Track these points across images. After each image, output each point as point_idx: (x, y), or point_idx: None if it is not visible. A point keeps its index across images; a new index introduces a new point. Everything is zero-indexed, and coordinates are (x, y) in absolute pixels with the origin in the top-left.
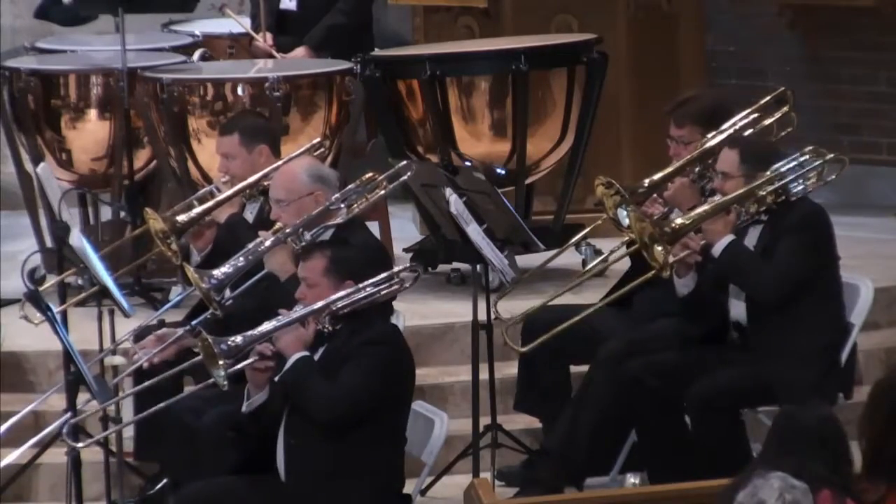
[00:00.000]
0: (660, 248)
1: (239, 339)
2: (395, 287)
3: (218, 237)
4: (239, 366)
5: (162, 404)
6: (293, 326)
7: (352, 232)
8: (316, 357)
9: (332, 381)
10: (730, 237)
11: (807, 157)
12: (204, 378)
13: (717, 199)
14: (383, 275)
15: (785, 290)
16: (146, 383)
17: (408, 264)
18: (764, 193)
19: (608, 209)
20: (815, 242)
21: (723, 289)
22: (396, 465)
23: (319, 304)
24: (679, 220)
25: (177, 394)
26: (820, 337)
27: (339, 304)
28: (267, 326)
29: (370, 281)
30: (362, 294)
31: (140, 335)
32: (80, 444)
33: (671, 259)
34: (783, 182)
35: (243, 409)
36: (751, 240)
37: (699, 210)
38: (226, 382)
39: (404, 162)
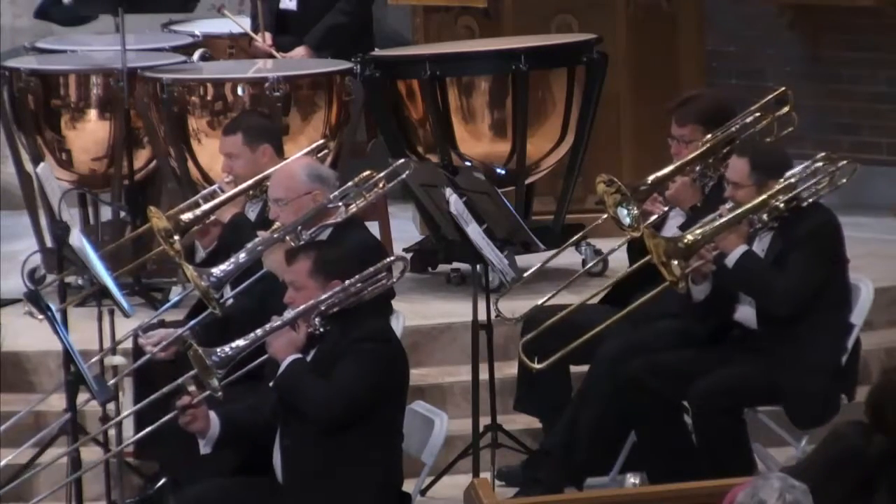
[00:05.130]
0: (676, 263)
1: (228, 349)
2: (383, 282)
3: (222, 236)
4: (227, 380)
5: (166, 417)
6: (284, 330)
7: (350, 231)
8: (308, 359)
9: (327, 381)
10: (743, 247)
11: (820, 164)
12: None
13: (729, 207)
14: (369, 270)
15: (798, 303)
16: (147, 400)
17: (393, 257)
18: (776, 202)
19: (609, 207)
20: (827, 252)
21: (734, 294)
22: (394, 463)
23: (307, 305)
24: (692, 236)
25: (177, 394)
26: (828, 341)
27: (328, 304)
28: (257, 333)
29: (356, 277)
30: (350, 292)
31: (144, 332)
32: (80, 472)
33: (687, 270)
34: (796, 191)
35: (202, 451)
36: (761, 245)
37: (713, 223)
38: (220, 393)
39: (402, 160)
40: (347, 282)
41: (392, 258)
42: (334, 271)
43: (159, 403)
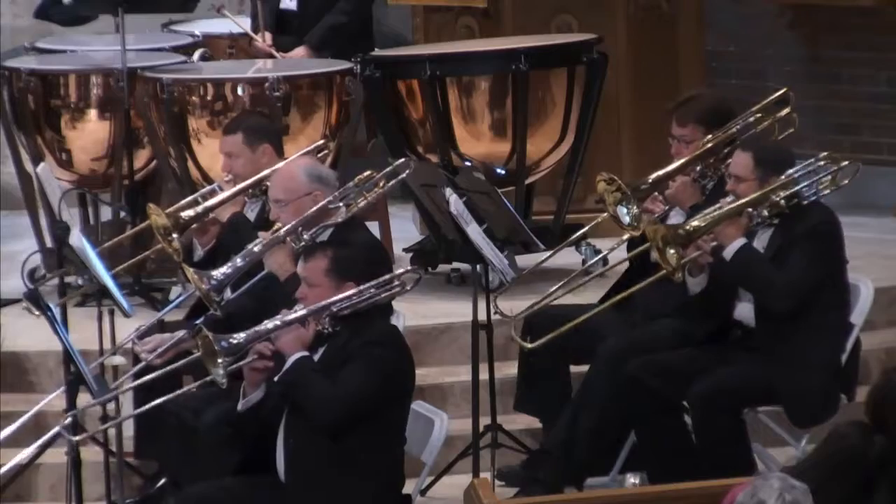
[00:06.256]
0: (672, 251)
1: (239, 336)
2: (397, 289)
3: (221, 236)
4: (237, 365)
5: (161, 399)
6: (293, 326)
7: (350, 231)
8: (316, 357)
9: (332, 382)
10: (742, 240)
11: (822, 163)
12: (203, 375)
13: (730, 199)
14: (385, 277)
15: (796, 299)
16: (145, 378)
17: (409, 266)
18: (777, 198)
19: (609, 205)
20: (826, 251)
21: (733, 289)
22: (396, 465)
23: (320, 304)
24: (693, 223)
25: (175, 391)
26: (828, 341)
27: (340, 306)
28: (268, 325)
29: (372, 283)
30: (364, 296)
31: (141, 338)
32: (77, 437)
33: (683, 260)
34: (797, 187)
35: (239, 407)
36: (761, 242)
37: (714, 213)
38: (224, 380)
39: (402, 160)
40: (363, 286)
41: (408, 269)
42: (349, 272)
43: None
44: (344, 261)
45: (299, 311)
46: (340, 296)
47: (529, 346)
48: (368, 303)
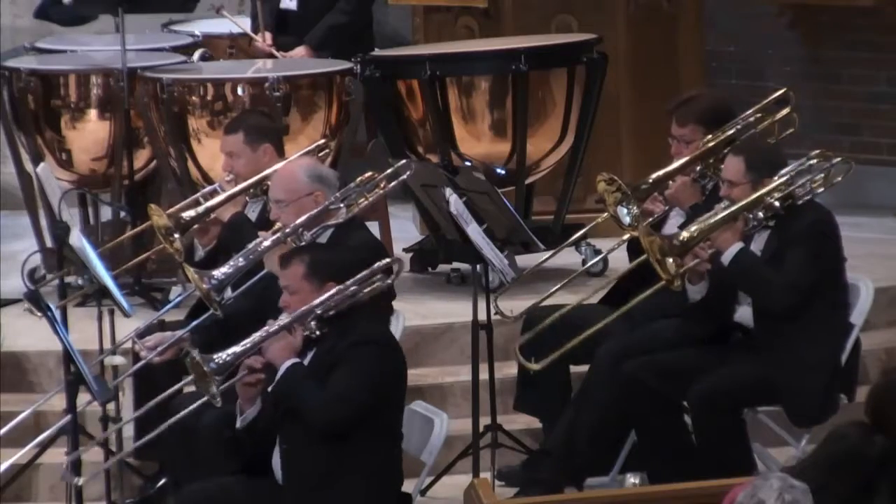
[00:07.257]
0: (671, 261)
1: (226, 355)
2: (378, 283)
3: (221, 236)
4: (229, 382)
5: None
6: (281, 335)
7: (351, 232)
8: (305, 362)
9: (325, 386)
10: (739, 245)
11: (814, 161)
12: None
13: (724, 205)
14: (364, 273)
15: (794, 300)
16: (150, 403)
17: (409, 266)
18: (771, 199)
19: (609, 206)
20: (823, 250)
21: (733, 295)
22: (394, 464)
23: (303, 309)
24: (687, 233)
25: (176, 394)
26: (827, 341)
27: (324, 308)
28: (254, 338)
29: (351, 280)
30: (346, 294)
31: (141, 337)
32: (80, 481)
33: (682, 269)
34: (791, 188)
35: (237, 425)
36: (758, 245)
37: (708, 221)
38: (219, 400)
39: (403, 161)
40: (343, 285)
41: (387, 260)
42: (329, 274)
43: (160, 404)
44: (321, 263)
45: (283, 320)
46: (322, 297)
47: (536, 367)
48: (353, 301)
